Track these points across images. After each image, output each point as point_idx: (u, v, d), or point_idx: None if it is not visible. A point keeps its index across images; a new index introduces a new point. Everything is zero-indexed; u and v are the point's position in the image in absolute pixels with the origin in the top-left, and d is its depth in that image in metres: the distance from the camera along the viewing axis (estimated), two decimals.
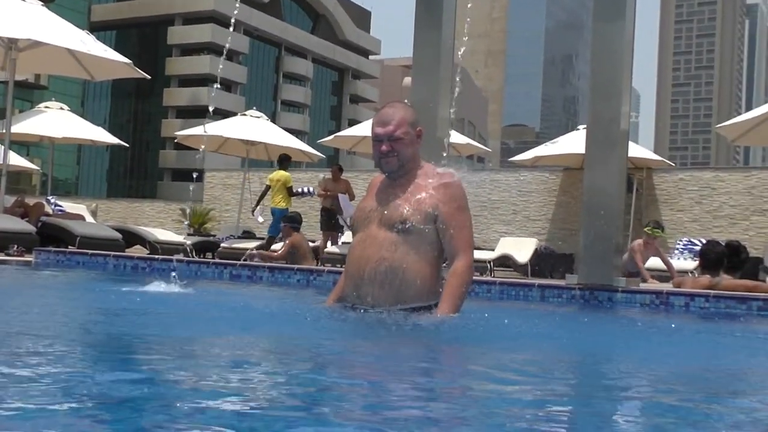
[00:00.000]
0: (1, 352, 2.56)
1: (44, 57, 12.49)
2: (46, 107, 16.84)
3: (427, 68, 7.40)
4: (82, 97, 60.59)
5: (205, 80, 61.61)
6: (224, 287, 6.77)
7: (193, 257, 11.52)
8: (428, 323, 3.48)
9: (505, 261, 13.62)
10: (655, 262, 11.00)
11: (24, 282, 6.68)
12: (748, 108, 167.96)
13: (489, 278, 9.58)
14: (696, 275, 8.37)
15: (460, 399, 2.24)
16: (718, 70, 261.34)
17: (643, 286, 7.33)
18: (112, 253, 8.40)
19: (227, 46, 58.01)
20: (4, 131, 11.87)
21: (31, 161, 22.64)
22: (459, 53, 7.26)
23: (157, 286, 5.06)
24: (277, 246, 12.28)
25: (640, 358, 3.41)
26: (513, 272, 13.76)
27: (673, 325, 5.38)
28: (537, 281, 7.04)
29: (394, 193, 3.72)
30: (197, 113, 56.91)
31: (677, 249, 13.49)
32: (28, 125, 16.07)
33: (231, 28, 55.80)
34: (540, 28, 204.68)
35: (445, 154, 6.76)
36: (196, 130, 18.06)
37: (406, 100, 5.74)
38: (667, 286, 7.17)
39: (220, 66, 49.59)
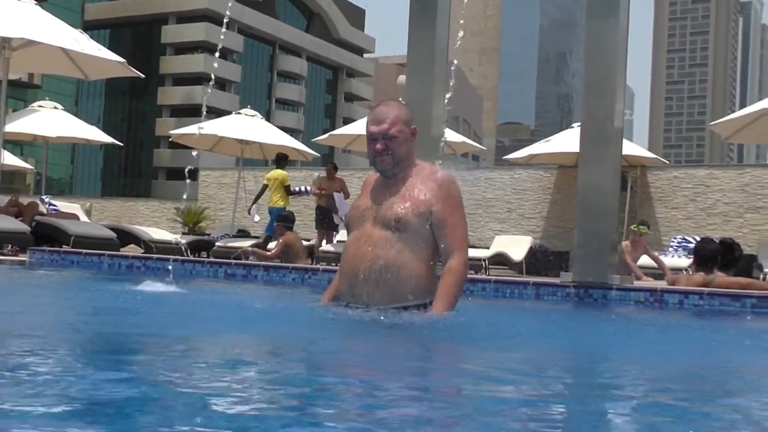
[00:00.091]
0: None
1: (38, 56, 12.46)
2: (40, 106, 16.80)
3: (421, 66, 7.40)
4: (76, 96, 60.51)
5: (199, 79, 61.56)
6: (219, 286, 6.76)
7: (188, 256, 11.52)
8: (423, 321, 3.49)
9: (500, 259, 13.63)
10: (646, 260, 11.01)
11: (18, 282, 6.66)
12: (742, 105, 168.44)
13: (484, 276, 9.59)
14: (690, 273, 8.39)
15: (454, 398, 2.25)
16: (712, 68, 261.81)
17: (637, 283, 7.34)
18: (107, 252, 8.38)
19: (219, 43, 58.01)
20: None
21: (25, 161, 22.54)
22: (457, 41, 7.26)
23: (152, 286, 5.05)
24: (273, 245, 12.29)
25: (635, 356, 3.42)
26: (508, 270, 13.77)
27: (667, 323, 5.39)
28: (532, 279, 7.05)
29: (389, 192, 3.72)
30: (191, 112, 56.89)
31: (671, 246, 13.52)
32: (22, 124, 16.03)
33: (225, 27, 55.71)
34: (534, 25, 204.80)
35: (439, 152, 6.76)
36: (191, 129, 18.03)
37: (400, 99, 5.74)
38: (661, 284, 7.18)
39: (215, 65, 49.62)
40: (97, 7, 65.75)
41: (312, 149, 18.08)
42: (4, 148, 12.61)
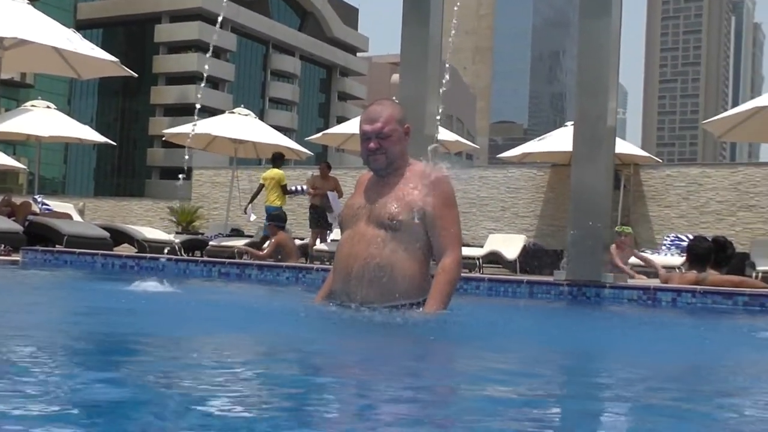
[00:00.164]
0: None
1: (30, 55, 12.43)
2: (33, 106, 16.73)
3: (414, 65, 7.40)
4: (69, 95, 60.34)
5: (192, 78, 61.43)
6: (213, 285, 6.75)
7: (181, 255, 11.50)
8: (416, 320, 3.49)
9: (493, 258, 13.66)
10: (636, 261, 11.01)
11: (11, 281, 6.64)
12: (735, 104, 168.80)
13: (478, 275, 9.60)
14: (683, 271, 8.41)
15: (448, 397, 2.25)
16: (704, 67, 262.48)
17: (630, 282, 7.36)
18: (100, 252, 8.37)
19: (214, 42, 57.89)
20: None
21: (18, 160, 22.47)
22: (449, 40, 7.26)
23: (145, 285, 5.04)
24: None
25: (629, 355, 3.43)
26: (502, 269, 13.80)
27: (662, 320, 5.41)
28: (525, 278, 7.06)
29: (383, 191, 3.73)
30: (185, 111, 56.76)
31: (664, 245, 13.55)
32: (15, 124, 15.98)
33: (218, 26, 55.64)
34: (527, 24, 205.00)
35: (431, 148, 6.75)
36: (184, 129, 18.00)
37: (394, 97, 5.74)
38: (654, 282, 7.20)
39: (205, 66, 49.45)
40: (90, 6, 65.58)
41: (305, 148, 18.06)
42: None
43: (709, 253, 6.90)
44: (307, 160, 20.33)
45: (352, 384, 2.30)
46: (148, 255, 8.48)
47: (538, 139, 17.06)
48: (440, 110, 7.11)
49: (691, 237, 10.19)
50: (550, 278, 6.81)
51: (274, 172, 13.72)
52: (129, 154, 65.71)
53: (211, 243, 14.37)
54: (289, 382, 2.31)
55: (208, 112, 40.49)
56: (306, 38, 72.58)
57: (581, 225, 6.82)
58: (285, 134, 19.80)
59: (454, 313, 3.61)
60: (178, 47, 63.60)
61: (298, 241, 13.13)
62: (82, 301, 4.68)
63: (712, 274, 6.70)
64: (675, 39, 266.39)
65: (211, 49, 56.70)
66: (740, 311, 5.66)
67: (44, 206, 14.16)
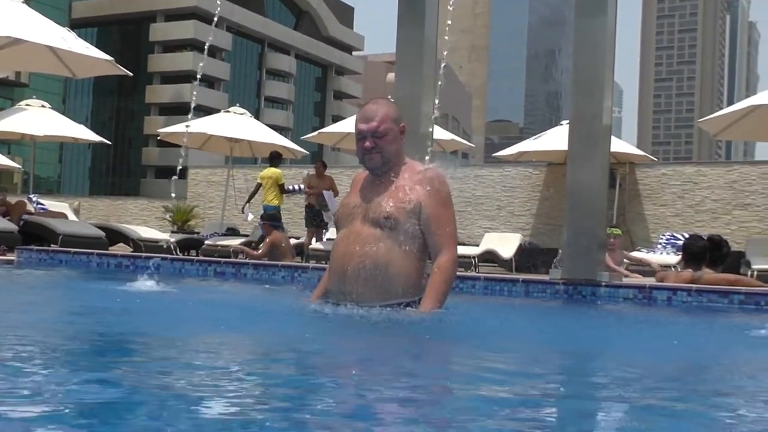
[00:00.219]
0: None
1: (25, 54, 12.38)
2: (27, 105, 16.69)
3: (410, 64, 7.39)
4: (64, 94, 60.29)
5: (187, 77, 61.37)
6: (208, 285, 6.74)
7: (177, 255, 11.49)
8: (412, 319, 3.49)
9: (489, 256, 13.66)
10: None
11: (6, 281, 6.63)
12: (730, 103, 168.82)
13: (473, 273, 9.61)
14: (679, 269, 8.42)
15: (443, 396, 2.25)
16: (700, 65, 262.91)
17: (626, 280, 7.37)
18: (96, 251, 8.35)
19: (209, 41, 57.82)
20: None
21: (13, 159, 22.42)
22: (445, 39, 7.26)
23: (141, 284, 5.03)
24: None
25: (624, 353, 3.43)
26: (497, 267, 13.80)
27: (657, 319, 5.41)
28: (521, 276, 7.06)
29: (378, 190, 3.72)
30: (180, 110, 56.68)
31: (660, 243, 13.56)
32: (9, 123, 15.94)
33: (213, 25, 55.60)
34: (523, 23, 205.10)
35: (429, 149, 6.76)
36: (180, 128, 17.97)
37: (389, 96, 5.74)
38: (650, 281, 7.21)
39: (200, 64, 49.36)
40: (85, 5, 65.47)
41: (301, 147, 18.05)
42: None
43: (705, 251, 6.90)
44: (303, 159, 20.33)
45: (348, 383, 2.29)
46: (144, 254, 8.47)
47: (533, 137, 17.06)
48: (436, 109, 7.11)
49: (686, 236, 10.20)
50: (545, 277, 6.81)
51: (272, 171, 13.70)
52: (124, 153, 65.63)
53: (206, 242, 14.35)
54: (285, 381, 2.30)
55: (204, 111, 40.47)
56: (301, 37, 72.54)
57: (577, 224, 6.83)
58: (280, 133, 19.81)
59: (449, 312, 3.61)
60: (173, 46, 63.52)
61: (293, 240, 13.12)
62: (78, 301, 4.67)
63: (707, 273, 6.71)
64: (670, 38, 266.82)
65: (206, 48, 56.63)
66: (736, 310, 5.67)
67: (39, 206, 14.13)
